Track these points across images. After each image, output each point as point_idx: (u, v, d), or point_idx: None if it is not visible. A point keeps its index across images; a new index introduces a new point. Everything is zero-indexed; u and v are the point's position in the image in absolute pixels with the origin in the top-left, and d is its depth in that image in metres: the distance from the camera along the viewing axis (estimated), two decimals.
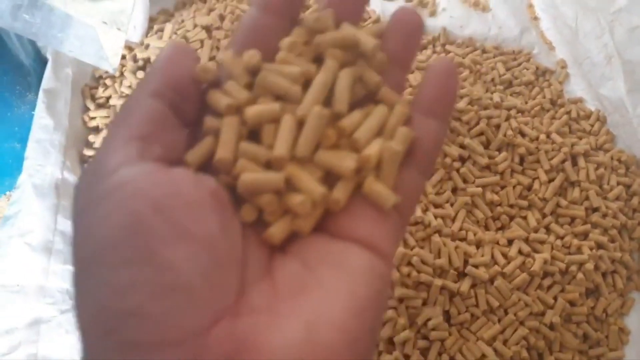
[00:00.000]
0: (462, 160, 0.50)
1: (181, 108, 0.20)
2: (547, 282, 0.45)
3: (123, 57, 0.55)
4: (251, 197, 0.20)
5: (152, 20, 0.59)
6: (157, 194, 0.17)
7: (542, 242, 0.46)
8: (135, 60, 0.55)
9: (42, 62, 0.52)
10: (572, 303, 0.45)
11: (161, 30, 0.57)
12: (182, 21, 0.57)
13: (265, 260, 0.20)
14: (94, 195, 0.17)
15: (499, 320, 0.43)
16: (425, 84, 0.22)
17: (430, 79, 0.22)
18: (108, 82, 0.54)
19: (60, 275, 0.40)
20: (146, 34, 0.57)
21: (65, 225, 0.43)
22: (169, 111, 0.20)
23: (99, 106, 0.53)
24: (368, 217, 0.20)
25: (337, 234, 0.20)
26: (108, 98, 0.54)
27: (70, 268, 0.41)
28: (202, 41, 0.53)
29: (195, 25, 0.55)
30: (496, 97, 0.54)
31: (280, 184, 0.20)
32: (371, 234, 0.20)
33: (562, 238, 0.47)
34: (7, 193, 0.49)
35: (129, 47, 0.56)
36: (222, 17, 0.55)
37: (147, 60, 0.55)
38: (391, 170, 0.21)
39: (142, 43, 0.56)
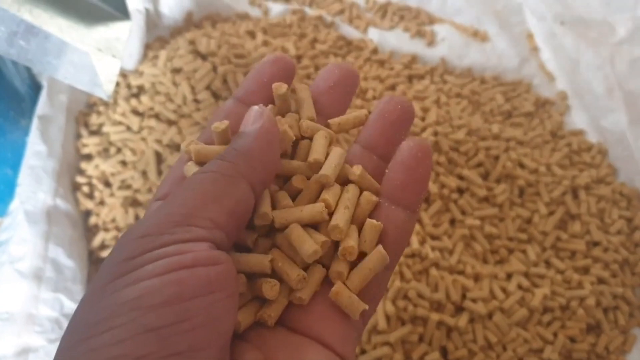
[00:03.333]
0: (460, 191, 0.53)
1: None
2: (546, 317, 0.47)
3: (117, 84, 0.58)
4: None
5: (147, 48, 0.63)
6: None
7: (542, 277, 0.49)
8: (129, 87, 0.59)
9: (36, 88, 0.55)
10: (572, 339, 0.47)
11: (156, 57, 0.60)
12: (178, 48, 0.60)
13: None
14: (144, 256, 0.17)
15: (498, 357, 0.45)
16: (393, 169, 0.22)
17: (399, 162, 0.22)
18: (101, 109, 0.58)
19: (49, 304, 0.43)
20: (141, 61, 0.61)
21: (56, 252, 0.45)
22: (254, 198, 0.20)
23: (92, 133, 0.57)
24: (329, 318, 0.21)
25: (295, 329, 0.20)
26: (101, 125, 0.57)
27: (59, 297, 0.44)
28: (195, 70, 0.57)
29: (190, 52, 0.58)
30: (495, 128, 0.57)
31: (267, 268, 0.21)
32: (330, 336, 0.20)
33: (562, 272, 0.50)
34: None
35: (123, 74, 0.59)
36: (217, 45, 0.59)
37: (141, 88, 0.58)
38: (368, 273, 0.21)
39: (136, 70, 0.60)
